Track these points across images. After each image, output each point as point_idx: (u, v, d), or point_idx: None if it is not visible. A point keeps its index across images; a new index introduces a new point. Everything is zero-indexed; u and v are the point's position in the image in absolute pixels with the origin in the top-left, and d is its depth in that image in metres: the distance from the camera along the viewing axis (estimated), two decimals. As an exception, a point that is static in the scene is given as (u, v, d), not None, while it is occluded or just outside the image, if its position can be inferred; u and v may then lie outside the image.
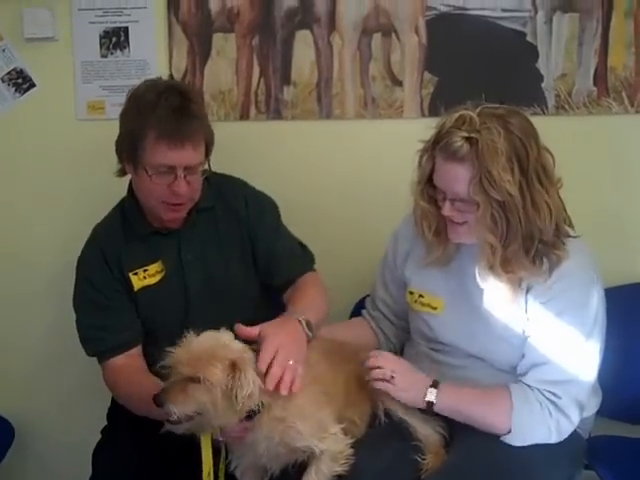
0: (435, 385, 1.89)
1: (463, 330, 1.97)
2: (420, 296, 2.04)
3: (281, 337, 1.78)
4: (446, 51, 2.42)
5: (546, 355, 1.87)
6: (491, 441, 1.86)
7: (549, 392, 1.85)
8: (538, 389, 1.86)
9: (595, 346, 1.88)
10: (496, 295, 1.91)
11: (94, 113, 2.53)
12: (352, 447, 1.81)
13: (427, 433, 1.94)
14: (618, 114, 2.39)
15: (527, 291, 1.89)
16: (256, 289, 2.19)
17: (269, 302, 2.23)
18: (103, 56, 2.51)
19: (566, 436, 1.88)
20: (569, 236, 1.91)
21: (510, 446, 1.85)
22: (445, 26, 2.41)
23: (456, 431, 1.95)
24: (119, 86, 2.47)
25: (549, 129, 2.33)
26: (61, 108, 2.55)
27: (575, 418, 1.88)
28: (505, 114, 1.83)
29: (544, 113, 2.39)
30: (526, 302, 1.89)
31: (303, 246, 2.24)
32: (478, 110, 1.82)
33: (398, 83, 2.46)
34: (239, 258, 2.15)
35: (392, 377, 1.87)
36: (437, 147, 1.85)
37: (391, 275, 2.16)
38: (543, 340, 1.88)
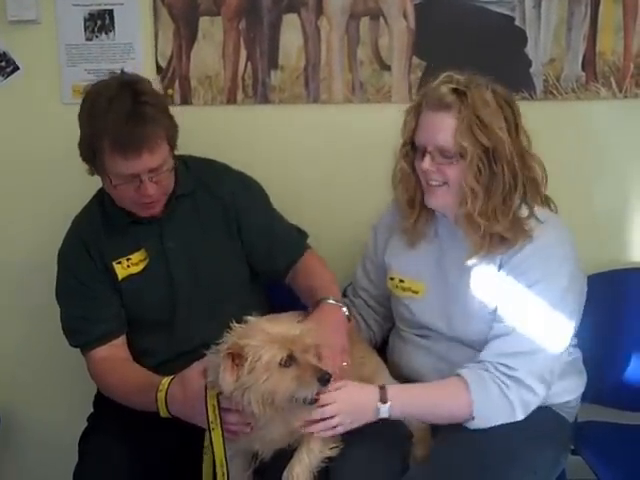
0: (384, 398, 1.83)
1: (443, 312, 1.98)
2: (401, 281, 2.06)
3: (335, 340, 1.87)
4: (434, 36, 2.40)
5: (509, 326, 1.88)
6: (476, 428, 1.86)
7: (504, 365, 1.84)
8: (493, 364, 1.84)
9: (562, 320, 1.88)
10: (473, 275, 1.93)
11: (79, 97, 2.44)
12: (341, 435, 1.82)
13: (414, 421, 1.95)
14: (606, 99, 2.38)
15: (500, 267, 1.90)
16: (246, 273, 2.18)
17: (259, 285, 2.23)
18: (88, 39, 2.48)
19: (533, 408, 1.87)
20: (550, 206, 1.96)
21: (495, 432, 1.85)
22: (433, 10, 2.39)
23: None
24: (104, 69, 2.43)
25: (537, 114, 2.33)
26: (46, 92, 2.53)
27: (540, 390, 1.86)
28: (489, 81, 1.89)
29: (532, 98, 2.39)
30: (497, 276, 1.90)
31: (295, 226, 2.25)
32: (465, 74, 1.88)
33: (386, 68, 2.44)
34: (225, 243, 2.13)
35: (335, 424, 1.78)
36: (423, 103, 1.89)
37: (371, 263, 2.19)
38: (509, 311, 1.89)
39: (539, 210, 1.93)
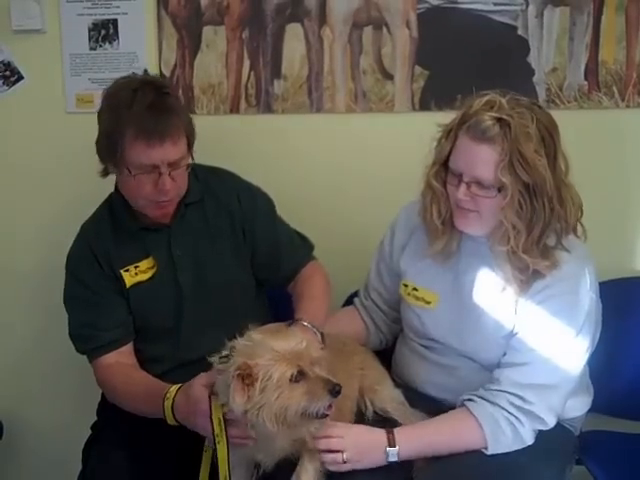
0: (392, 442, 1.81)
1: (454, 327, 1.95)
2: (414, 289, 2.03)
3: None
4: (437, 45, 2.41)
5: (528, 356, 1.84)
6: None
7: (519, 398, 1.81)
8: (506, 396, 1.81)
9: (580, 352, 1.86)
10: (491, 296, 1.90)
11: (83, 106, 2.51)
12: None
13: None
14: (609, 108, 2.39)
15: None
16: (252, 281, 2.18)
17: (263, 293, 2.24)
18: (92, 49, 2.49)
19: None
20: (576, 236, 1.91)
21: None
22: (436, 20, 2.40)
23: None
24: (108, 79, 2.41)
25: (540, 123, 2.33)
26: (50, 101, 2.54)
27: (550, 421, 1.85)
28: (531, 104, 1.83)
29: (535, 107, 2.39)
30: (516, 302, 1.87)
31: (301, 235, 2.25)
32: (507, 97, 1.81)
33: (389, 77, 2.45)
34: (232, 251, 2.13)
35: (344, 459, 1.77)
36: (462, 127, 1.81)
37: (386, 266, 2.14)
38: (527, 341, 1.85)
39: (566, 238, 1.88)
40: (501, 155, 1.76)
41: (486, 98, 1.81)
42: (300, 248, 2.22)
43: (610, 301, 2.18)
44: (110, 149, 1.94)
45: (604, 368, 2.09)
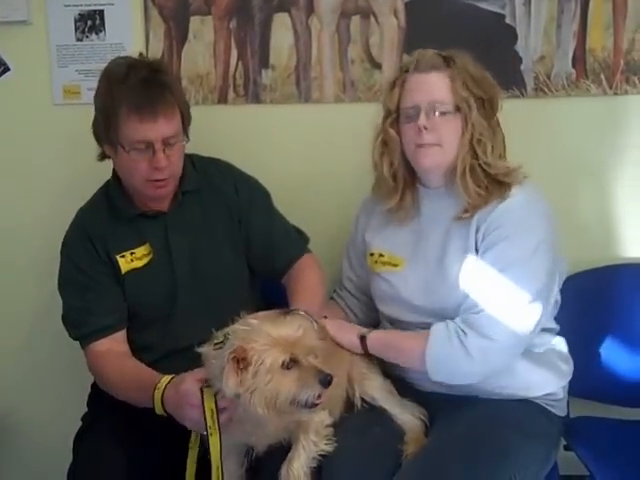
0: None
1: (422, 285, 1.99)
2: (380, 255, 2.09)
3: None
4: (425, 34, 2.40)
5: (478, 284, 1.90)
6: (468, 426, 1.88)
7: (468, 314, 1.88)
8: (460, 317, 1.89)
9: (530, 273, 1.88)
10: (453, 248, 1.95)
11: (70, 97, 2.50)
12: (335, 431, 1.83)
13: (406, 419, 1.97)
14: (596, 96, 2.39)
15: (477, 231, 1.92)
16: (246, 272, 2.19)
17: (257, 284, 2.24)
18: (78, 40, 2.48)
19: (497, 360, 1.89)
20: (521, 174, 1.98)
21: (486, 430, 1.87)
22: (424, 8, 2.40)
23: (434, 417, 1.97)
24: (95, 70, 2.41)
25: (528, 111, 2.35)
26: (36, 93, 2.52)
27: (500, 339, 1.86)
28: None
29: (523, 95, 2.39)
30: (476, 242, 1.92)
31: (297, 229, 2.26)
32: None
33: (377, 66, 2.45)
34: (228, 241, 2.14)
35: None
36: (408, 70, 1.97)
37: (355, 251, 2.21)
38: (481, 270, 1.91)
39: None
40: (452, 78, 1.93)
41: (420, 49, 2.01)
42: (295, 241, 2.23)
43: (591, 289, 2.21)
44: (105, 128, 1.96)
45: (589, 354, 2.10)
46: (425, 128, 1.92)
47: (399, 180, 2.03)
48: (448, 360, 1.89)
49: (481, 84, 1.94)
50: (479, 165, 1.94)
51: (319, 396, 1.68)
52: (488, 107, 1.95)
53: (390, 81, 2.04)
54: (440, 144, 1.94)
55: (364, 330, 2.05)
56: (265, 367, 1.65)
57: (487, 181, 1.94)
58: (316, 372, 1.66)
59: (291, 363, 1.67)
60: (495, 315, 1.87)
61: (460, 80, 1.92)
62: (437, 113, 1.93)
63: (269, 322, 1.73)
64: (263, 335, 1.68)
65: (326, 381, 1.66)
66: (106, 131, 1.96)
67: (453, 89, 1.92)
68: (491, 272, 1.89)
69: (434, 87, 1.93)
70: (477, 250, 1.92)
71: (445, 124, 1.93)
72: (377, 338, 2.02)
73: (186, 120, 2.03)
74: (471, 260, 1.92)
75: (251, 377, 1.65)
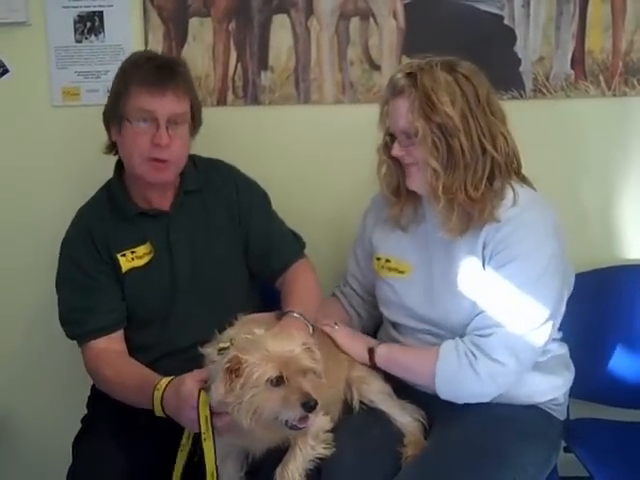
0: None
1: (427, 294, 1.98)
2: (387, 261, 2.08)
3: None
4: (424, 35, 2.41)
5: (487, 302, 1.89)
6: (468, 428, 1.88)
7: (477, 336, 1.87)
8: (469, 337, 1.88)
9: (541, 296, 1.87)
10: (459, 258, 1.93)
11: (69, 99, 2.50)
12: (333, 433, 1.83)
13: (405, 421, 1.96)
14: (595, 97, 2.39)
15: (484, 247, 1.90)
16: (245, 273, 2.19)
17: (256, 286, 2.24)
18: (78, 41, 2.47)
19: (506, 382, 1.88)
20: (530, 186, 1.96)
21: (486, 433, 1.86)
22: (423, 10, 2.40)
23: (434, 420, 1.97)
24: (94, 72, 2.45)
25: (527, 113, 2.35)
26: (36, 94, 2.52)
27: (510, 363, 1.86)
28: (455, 60, 1.93)
29: (522, 97, 2.40)
30: (484, 258, 1.90)
31: (294, 233, 2.26)
32: (428, 59, 1.92)
33: (376, 67, 2.45)
34: (228, 242, 2.14)
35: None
36: (387, 93, 1.96)
37: (362, 250, 2.19)
38: (490, 289, 1.90)
39: (521, 188, 1.93)
40: (410, 101, 1.88)
41: (404, 63, 1.99)
42: (292, 244, 2.23)
43: (593, 290, 2.21)
44: (115, 103, 2.00)
45: (589, 356, 2.10)
46: (400, 154, 1.93)
47: (402, 194, 2.02)
48: (457, 382, 1.88)
49: (436, 107, 1.85)
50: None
51: (304, 419, 1.66)
52: (447, 132, 1.86)
53: (380, 103, 2.01)
54: (417, 163, 1.92)
55: (373, 342, 2.05)
56: (252, 381, 1.64)
57: (466, 207, 1.89)
58: (301, 395, 1.64)
59: (279, 381, 1.66)
60: (505, 339, 1.86)
61: (417, 105, 1.87)
62: (406, 139, 1.91)
63: (272, 336, 1.73)
64: (261, 348, 1.68)
65: (309, 406, 1.64)
66: (115, 107, 1.99)
67: (408, 115, 1.88)
68: (501, 292, 1.88)
69: (397, 114, 1.91)
70: (484, 265, 1.91)
71: (414, 148, 1.90)
72: (386, 354, 2.01)
73: (196, 113, 2.05)
74: (478, 275, 1.91)
75: (239, 388, 1.65)
